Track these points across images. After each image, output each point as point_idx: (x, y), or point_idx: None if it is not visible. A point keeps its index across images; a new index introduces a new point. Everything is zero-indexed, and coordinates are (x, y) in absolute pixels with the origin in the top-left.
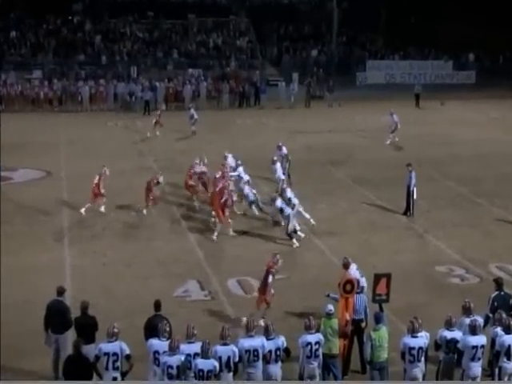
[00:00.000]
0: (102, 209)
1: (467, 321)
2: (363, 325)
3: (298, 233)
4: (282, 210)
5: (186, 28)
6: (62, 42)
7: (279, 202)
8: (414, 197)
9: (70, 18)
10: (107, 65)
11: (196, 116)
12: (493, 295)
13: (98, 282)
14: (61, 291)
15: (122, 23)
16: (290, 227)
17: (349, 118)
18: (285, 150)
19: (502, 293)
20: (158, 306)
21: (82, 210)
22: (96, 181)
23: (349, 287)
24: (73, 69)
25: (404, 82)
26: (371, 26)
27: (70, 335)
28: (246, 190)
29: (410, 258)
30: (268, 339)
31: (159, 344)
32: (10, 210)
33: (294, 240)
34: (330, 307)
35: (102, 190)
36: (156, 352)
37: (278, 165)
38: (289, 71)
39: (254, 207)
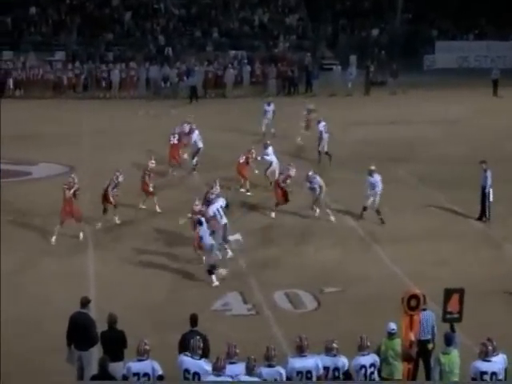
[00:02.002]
0: (117, 220)
1: None
2: (430, 346)
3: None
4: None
5: (228, 3)
6: (88, 19)
7: (213, 208)
8: (490, 199)
9: None
10: (138, 45)
11: (272, 115)
12: None
13: (125, 292)
14: (85, 302)
15: None
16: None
17: (414, 108)
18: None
19: None
20: (194, 320)
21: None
22: (105, 187)
23: (414, 303)
24: (99, 50)
25: (479, 66)
26: (441, 1)
27: (96, 352)
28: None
29: (485, 270)
30: (327, 355)
31: (191, 362)
32: (26, 209)
33: (217, 273)
34: (393, 326)
35: (111, 199)
36: (186, 371)
37: (196, 133)
38: (345, 53)
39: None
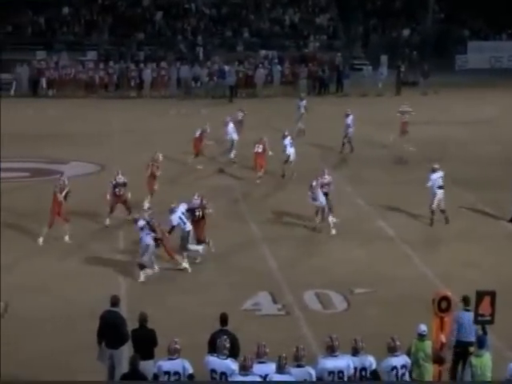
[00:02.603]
0: (107, 221)
1: None
2: (472, 349)
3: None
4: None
5: (259, 3)
6: (119, 19)
7: (176, 217)
8: None
9: None
10: (169, 45)
11: (304, 110)
12: None
13: (154, 290)
14: (115, 301)
15: None
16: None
17: (445, 108)
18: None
19: None
20: (224, 320)
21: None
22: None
23: (445, 305)
24: (131, 49)
25: None
26: (473, 0)
27: (126, 350)
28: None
29: None
30: (354, 355)
31: (217, 362)
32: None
33: (145, 272)
34: (423, 327)
35: (108, 197)
36: (213, 371)
37: (231, 125)
38: (376, 53)
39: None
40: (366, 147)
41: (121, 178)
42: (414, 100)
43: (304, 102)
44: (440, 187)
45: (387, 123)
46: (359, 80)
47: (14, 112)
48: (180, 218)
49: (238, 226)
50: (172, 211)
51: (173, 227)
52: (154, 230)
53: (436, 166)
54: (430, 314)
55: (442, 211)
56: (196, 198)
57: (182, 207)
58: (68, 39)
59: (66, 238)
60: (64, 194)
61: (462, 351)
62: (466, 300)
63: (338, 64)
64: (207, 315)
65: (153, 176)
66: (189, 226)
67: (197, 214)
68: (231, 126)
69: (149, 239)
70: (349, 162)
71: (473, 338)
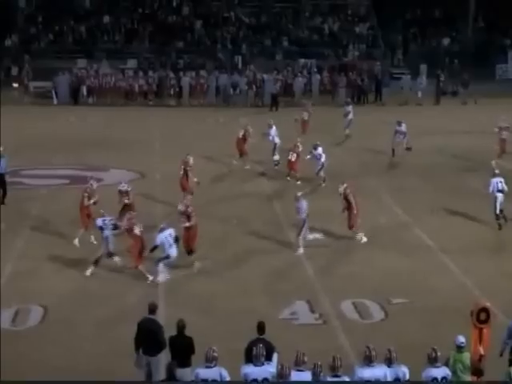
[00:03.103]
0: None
1: None
2: None
3: (115, 258)
4: (101, 229)
5: (298, 12)
6: (159, 27)
7: (99, 221)
8: None
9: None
10: (208, 53)
11: (352, 116)
12: None
13: (192, 297)
14: (152, 308)
15: (226, 6)
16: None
17: (486, 117)
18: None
19: None
20: (261, 328)
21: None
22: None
23: (483, 316)
24: (170, 58)
25: None
26: None
27: (163, 357)
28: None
29: None
30: (388, 366)
31: (255, 370)
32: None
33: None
34: (462, 339)
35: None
36: (255, 380)
37: (274, 129)
38: (416, 62)
39: None
40: (405, 156)
41: (124, 186)
42: (454, 109)
43: (350, 107)
44: (500, 191)
45: (426, 132)
46: (398, 89)
47: (55, 119)
48: (166, 239)
49: (273, 231)
50: (160, 231)
51: (155, 246)
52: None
53: (496, 171)
54: (468, 325)
55: (499, 214)
56: (181, 206)
57: (171, 230)
58: (108, 47)
59: (76, 241)
60: (93, 201)
61: None
62: None
63: (376, 73)
64: (243, 322)
65: (185, 177)
66: (174, 252)
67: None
68: (274, 129)
69: (109, 236)
70: (389, 169)
71: None
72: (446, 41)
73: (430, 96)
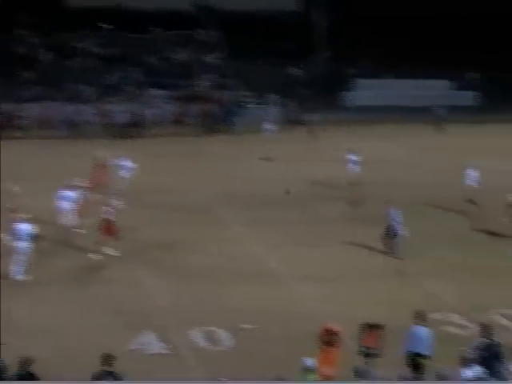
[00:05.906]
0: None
1: None
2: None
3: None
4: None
5: (149, 42)
6: (5, 57)
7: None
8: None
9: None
10: (57, 84)
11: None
12: None
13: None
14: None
15: (75, 36)
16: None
17: (334, 146)
18: None
19: None
20: (106, 359)
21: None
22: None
23: (330, 338)
24: (17, 89)
25: (399, 103)
26: (358, 42)
27: None
28: None
29: None
30: None
31: None
32: None
33: None
34: (309, 361)
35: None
36: None
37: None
38: (265, 92)
39: None
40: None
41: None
42: (303, 138)
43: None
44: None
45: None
46: (249, 118)
47: None
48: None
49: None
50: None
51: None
52: None
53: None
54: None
55: None
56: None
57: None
58: None
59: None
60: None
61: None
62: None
63: (227, 102)
64: (89, 355)
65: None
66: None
67: None
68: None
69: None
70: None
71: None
72: (295, 71)
73: (279, 125)
